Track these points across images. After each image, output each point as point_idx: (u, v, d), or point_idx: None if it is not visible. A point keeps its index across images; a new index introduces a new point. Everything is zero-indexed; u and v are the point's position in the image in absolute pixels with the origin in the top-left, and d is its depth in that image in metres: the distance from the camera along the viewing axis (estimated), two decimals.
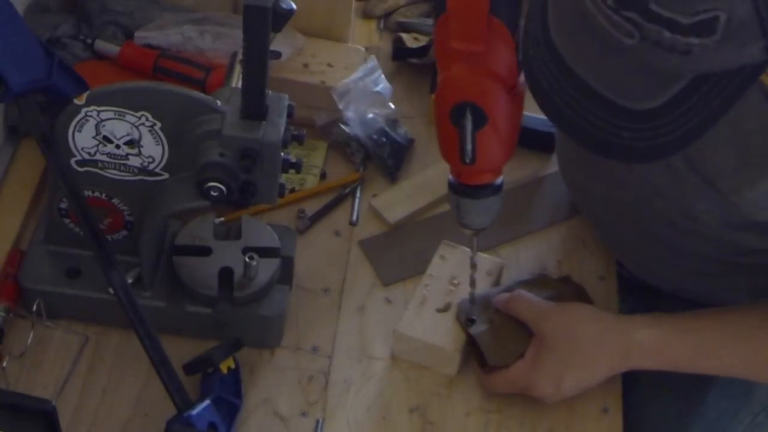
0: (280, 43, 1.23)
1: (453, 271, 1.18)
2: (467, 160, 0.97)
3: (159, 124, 1.01)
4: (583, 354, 1.08)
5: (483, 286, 1.16)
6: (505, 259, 1.24)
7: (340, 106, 1.31)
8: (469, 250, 1.17)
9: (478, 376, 1.13)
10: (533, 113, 1.36)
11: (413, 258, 1.23)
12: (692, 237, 1.11)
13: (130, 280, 1.07)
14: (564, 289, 1.17)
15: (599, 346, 1.09)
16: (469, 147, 0.97)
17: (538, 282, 1.18)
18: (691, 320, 1.10)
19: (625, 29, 0.89)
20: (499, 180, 1.03)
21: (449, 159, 1.01)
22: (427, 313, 1.14)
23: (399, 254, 1.25)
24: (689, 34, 0.85)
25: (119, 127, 1.02)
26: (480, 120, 0.96)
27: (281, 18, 0.97)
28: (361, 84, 1.33)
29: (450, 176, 1.03)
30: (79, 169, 1.05)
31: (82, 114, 1.01)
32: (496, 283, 1.20)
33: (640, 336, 1.08)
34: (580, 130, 0.98)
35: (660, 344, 1.08)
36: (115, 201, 1.08)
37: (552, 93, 0.99)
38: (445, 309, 1.15)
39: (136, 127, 1.02)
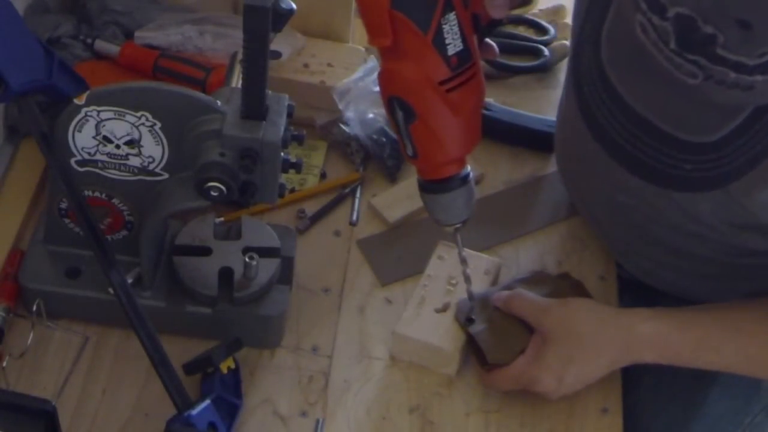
0: (280, 43, 1.23)
1: (451, 271, 1.18)
2: (409, 153, 0.99)
3: (159, 124, 1.01)
4: (584, 348, 1.08)
5: (481, 286, 1.16)
6: (505, 259, 1.24)
7: (340, 106, 1.31)
8: (467, 250, 1.17)
9: (478, 375, 1.13)
10: (533, 113, 1.38)
11: (411, 257, 1.23)
12: (693, 238, 1.11)
13: (130, 280, 1.07)
14: (562, 286, 1.17)
15: (600, 340, 1.09)
16: (405, 140, 0.98)
17: (536, 279, 1.18)
18: (693, 314, 1.10)
19: (688, 70, 0.89)
20: (462, 173, 1.02)
21: (403, 154, 1.01)
22: (425, 313, 1.14)
23: (397, 254, 1.25)
24: (755, 73, 0.86)
25: (119, 127, 1.02)
26: (409, 114, 0.96)
27: (281, 18, 0.97)
28: (361, 84, 1.33)
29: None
30: (79, 169, 1.05)
31: (82, 114, 1.01)
32: (494, 282, 1.20)
33: (642, 329, 1.08)
34: (639, 163, 0.99)
35: (661, 337, 1.08)
36: (115, 201, 1.08)
37: (609, 128, 1.00)
38: (443, 309, 1.15)
39: (136, 127, 1.02)
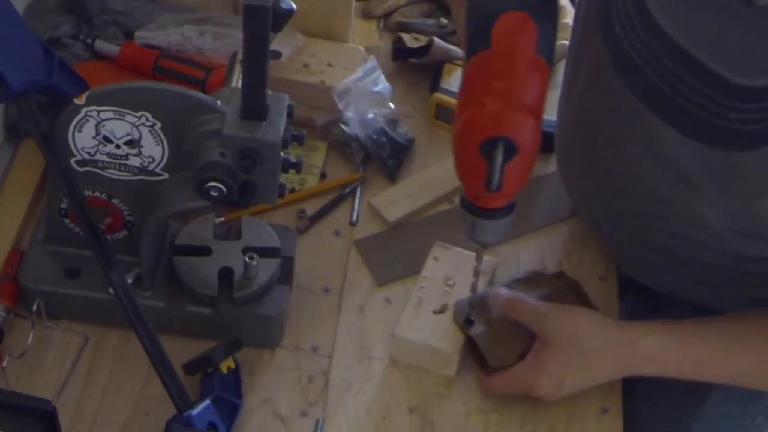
0: (280, 43, 1.23)
1: (447, 272, 1.18)
2: (494, 189, 0.94)
3: (159, 124, 1.01)
4: (585, 359, 1.08)
5: (478, 286, 1.16)
6: (504, 259, 1.24)
7: (340, 106, 1.31)
8: (462, 250, 1.17)
9: (478, 377, 1.13)
10: None
11: (409, 258, 1.23)
12: (696, 246, 1.10)
13: (130, 280, 1.07)
14: (559, 285, 1.17)
15: (602, 353, 1.08)
16: (497, 178, 0.93)
17: (533, 279, 1.18)
18: (694, 329, 1.09)
19: None
20: (514, 199, 1.01)
21: (470, 185, 0.98)
22: (423, 315, 1.14)
23: (394, 254, 1.25)
24: None
25: (119, 127, 1.02)
26: (511, 152, 0.93)
27: (281, 18, 0.97)
28: (361, 84, 1.33)
29: (463, 197, 1.01)
30: (79, 169, 1.05)
31: (82, 114, 1.01)
32: (491, 282, 1.20)
33: (644, 345, 1.07)
34: (678, 109, 0.93)
35: (663, 353, 1.07)
36: (115, 201, 1.08)
37: (647, 69, 0.94)
38: (441, 311, 1.15)
39: (136, 127, 1.02)
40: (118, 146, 1.03)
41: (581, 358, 1.08)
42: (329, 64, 1.36)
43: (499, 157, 0.93)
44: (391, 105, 1.35)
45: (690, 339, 1.08)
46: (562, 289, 1.16)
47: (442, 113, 1.37)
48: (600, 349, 1.08)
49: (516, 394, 1.11)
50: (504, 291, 1.13)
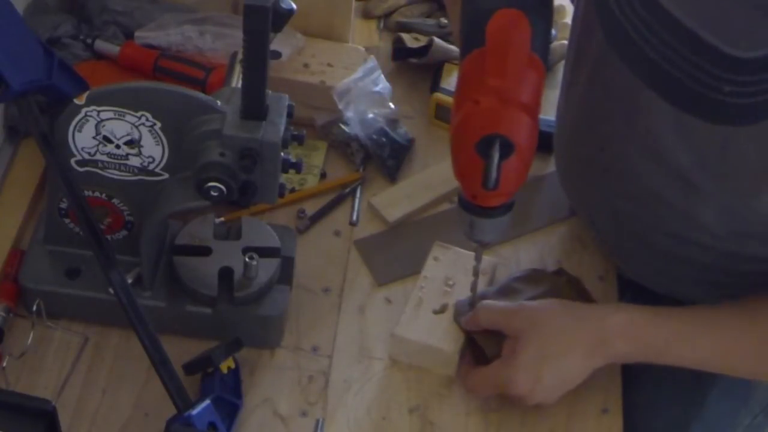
0: (280, 43, 1.23)
1: (447, 272, 1.18)
2: (490, 187, 0.94)
3: (159, 124, 1.01)
4: (557, 344, 1.06)
5: (478, 286, 1.16)
6: (504, 259, 1.24)
7: (340, 106, 1.31)
8: (462, 250, 1.17)
9: (461, 380, 1.12)
10: None
11: (409, 258, 1.23)
12: (694, 246, 1.10)
13: (130, 280, 1.07)
14: (559, 282, 1.16)
15: (573, 335, 1.07)
16: (494, 176, 0.94)
17: (532, 277, 1.17)
18: (669, 308, 1.08)
19: None
20: (512, 198, 1.01)
21: (467, 184, 0.98)
22: (424, 314, 1.14)
23: (394, 254, 1.25)
24: None
25: (119, 127, 1.02)
26: (507, 150, 0.93)
27: (281, 18, 0.97)
28: (361, 84, 1.33)
29: (461, 196, 1.01)
30: (79, 169, 1.06)
31: (82, 114, 1.01)
32: (491, 281, 1.20)
33: (613, 319, 1.07)
34: (671, 82, 0.93)
35: (633, 327, 1.06)
36: (115, 201, 1.08)
37: (641, 41, 0.94)
38: (441, 311, 1.15)
39: (136, 127, 1.02)
40: (118, 146, 1.03)
41: (551, 342, 1.06)
42: (329, 64, 1.36)
43: (496, 155, 0.93)
44: (391, 105, 1.35)
45: (662, 315, 1.07)
46: (562, 285, 1.16)
47: (442, 113, 1.37)
48: (569, 329, 1.07)
49: (494, 393, 1.10)
50: (470, 314, 1.12)
